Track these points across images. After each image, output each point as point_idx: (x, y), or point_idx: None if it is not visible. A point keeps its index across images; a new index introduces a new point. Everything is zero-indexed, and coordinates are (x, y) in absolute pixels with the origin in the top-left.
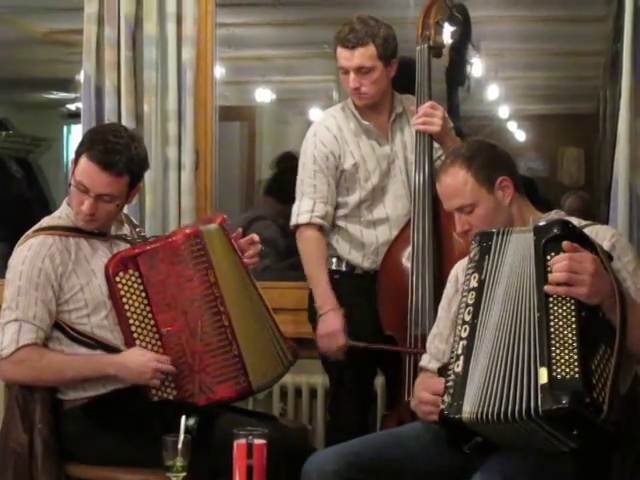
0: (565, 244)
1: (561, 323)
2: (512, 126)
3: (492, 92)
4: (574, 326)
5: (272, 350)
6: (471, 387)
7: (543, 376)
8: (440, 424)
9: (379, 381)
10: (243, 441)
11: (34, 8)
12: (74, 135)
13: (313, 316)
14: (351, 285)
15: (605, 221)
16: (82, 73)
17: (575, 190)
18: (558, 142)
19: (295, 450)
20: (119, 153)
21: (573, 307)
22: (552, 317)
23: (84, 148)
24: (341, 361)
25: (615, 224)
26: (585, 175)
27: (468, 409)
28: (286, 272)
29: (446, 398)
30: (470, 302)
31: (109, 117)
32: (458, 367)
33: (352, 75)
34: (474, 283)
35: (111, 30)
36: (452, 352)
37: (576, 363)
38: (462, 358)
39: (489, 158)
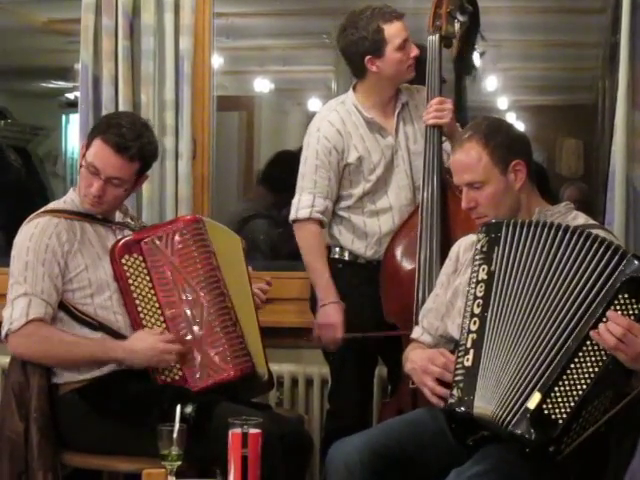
0: None
1: (584, 366)
2: (511, 117)
3: (490, 83)
4: (593, 376)
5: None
6: (483, 383)
7: (534, 401)
8: (447, 417)
9: (376, 371)
10: (238, 430)
11: None
12: (72, 124)
13: (314, 306)
14: (354, 274)
15: (602, 212)
16: (80, 62)
17: (573, 181)
18: (557, 133)
19: (291, 439)
20: (133, 139)
21: (605, 358)
22: (580, 355)
23: (98, 131)
24: (343, 350)
25: (612, 215)
26: (584, 166)
27: (480, 404)
28: (278, 263)
29: (455, 392)
30: (479, 294)
31: (106, 106)
32: (468, 361)
33: (411, 44)
34: (483, 275)
35: (109, 19)
36: (460, 345)
37: (569, 410)
38: (472, 352)
39: (508, 139)
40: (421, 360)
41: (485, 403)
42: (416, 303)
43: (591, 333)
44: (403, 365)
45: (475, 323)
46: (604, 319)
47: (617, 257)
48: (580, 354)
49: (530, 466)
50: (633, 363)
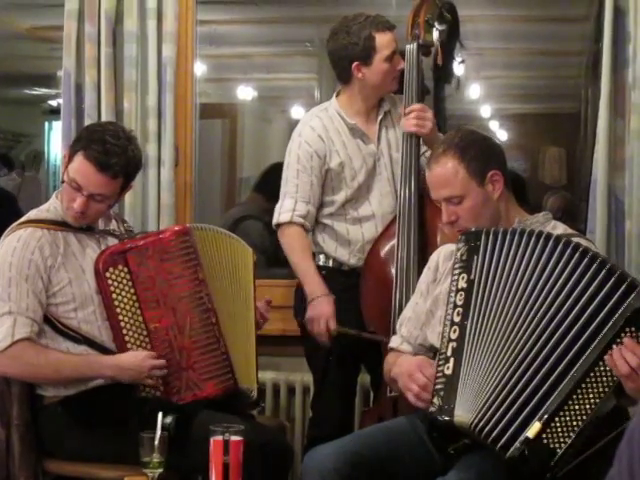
0: None
1: (586, 397)
2: (494, 125)
3: (473, 91)
4: (594, 407)
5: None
6: (464, 391)
7: (533, 430)
8: (428, 426)
9: (358, 378)
10: (219, 438)
11: (16, 4)
12: (55, 131)
13: (298, 312)
14: (338, 281)
15: (584, 221)
16: (63, 69)
17: (556, 190)
18: (540, 142)
19: (272, 447)
20: (116, 155)
21: (607, 390)
22: (583, 386)
23: (81, 146)
24: (326, 358)
25: (593, 224)
26: (567, 175)
27: (460, 413)
28: (273, 271)
29: (435, 400)
30: (459, 303)
31: (89, 113)
32: (448, 369)
33: (399, 57)
34: (462, 284)
35: (91, 26)
36: (440, 353)
37: (568, 440)
38: (452, 360)
39: (483, 150)
40: (409, 365)
41: (465, 412)
42: (393, 309)
43: (606, 357)
44: (384, 373)
45: (455, 331)
46: (615, 345)
47: (624, 287)
48: (583, 385)
49: (512, 474)
50: (635, 395)
